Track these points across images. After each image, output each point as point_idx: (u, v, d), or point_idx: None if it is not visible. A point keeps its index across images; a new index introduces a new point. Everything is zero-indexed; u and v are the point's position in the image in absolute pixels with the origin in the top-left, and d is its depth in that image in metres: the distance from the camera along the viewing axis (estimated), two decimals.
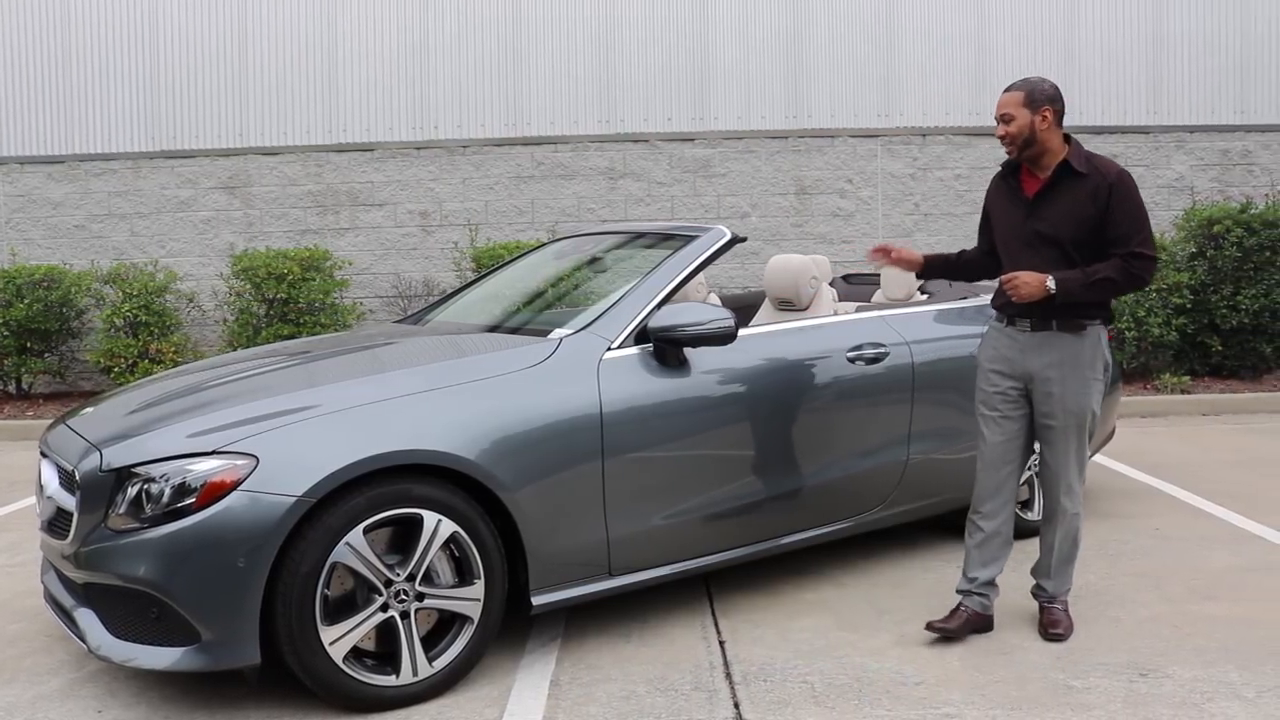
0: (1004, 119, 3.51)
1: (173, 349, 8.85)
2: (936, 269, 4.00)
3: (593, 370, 3.51)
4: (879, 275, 5.35)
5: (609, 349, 3.58)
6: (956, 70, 9.73)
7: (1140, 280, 3.47)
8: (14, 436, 8.20)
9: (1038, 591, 3.76)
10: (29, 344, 9.04)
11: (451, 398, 3.27)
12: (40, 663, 3.57)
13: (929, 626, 3.63)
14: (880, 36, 9.72)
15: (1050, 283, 3.43)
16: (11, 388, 9.26)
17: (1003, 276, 3.54)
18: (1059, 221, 3.49)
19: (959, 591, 3.72)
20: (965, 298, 4.86)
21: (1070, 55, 9.71)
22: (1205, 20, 9.74)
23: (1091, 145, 9.31)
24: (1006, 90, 3.56)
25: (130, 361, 8.72)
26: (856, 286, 5.61)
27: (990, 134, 9.59)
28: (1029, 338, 3.59)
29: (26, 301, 8.79)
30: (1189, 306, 8.77)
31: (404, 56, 9.75)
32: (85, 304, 9.25)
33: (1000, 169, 3.75)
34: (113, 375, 8.79)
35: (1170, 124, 9.75)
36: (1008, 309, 3.65)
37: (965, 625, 3.64)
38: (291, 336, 8.62)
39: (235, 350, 8.63)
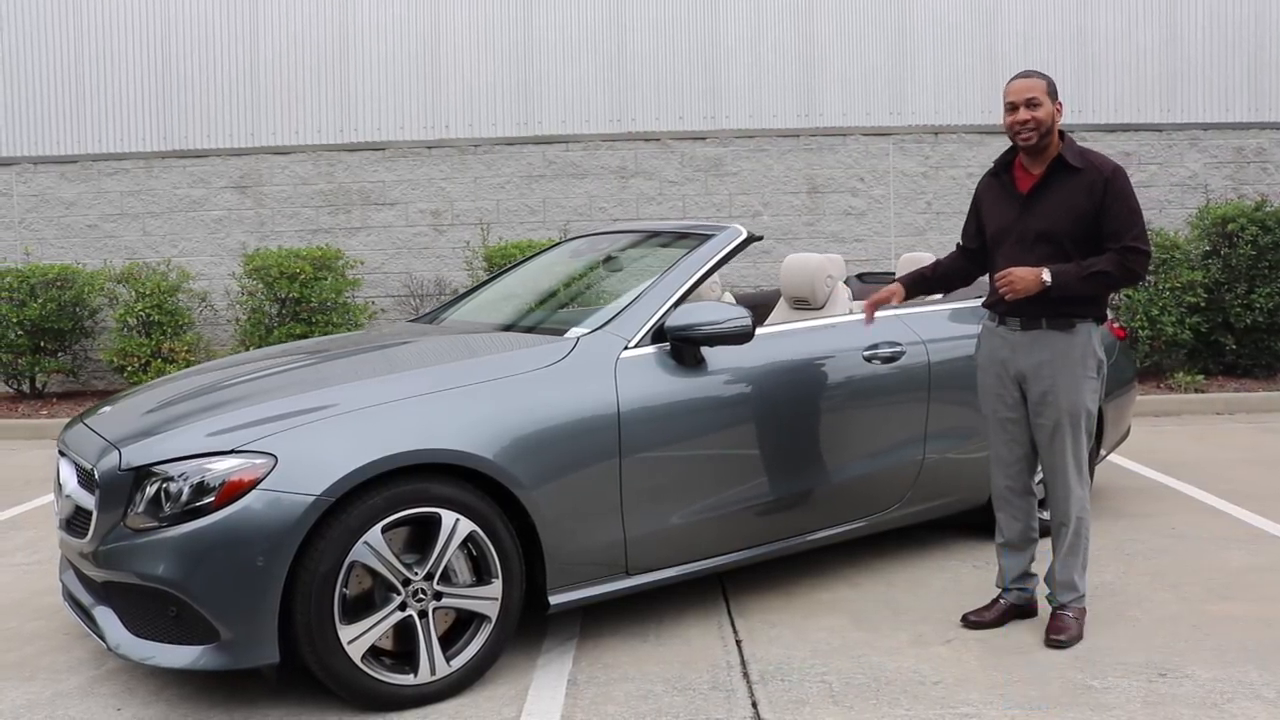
0: (1031, 104, 3.43)
1: (185, 348, 8.88)
2: (917, 289, 3.90)
3: (610, 369, 3.50)
4: (894, 275, 5.33)
5: (626, 348, 3.58)
6: (969, 69, 9.70)
7: (1135, 275, 3.41)
8: (28, 436, 8.23)
9: (1048, 597, 3.71)
10: (43, 343, 9.07)
11: (469, 397, 3.27)
12: (59, 660, 3.58)
13: (964, 619, 3.70)
14: (892, 35, 9.69)
15: (1046, 275, 3.35)
16: (25, 387, 9.28)
17: (996, 274, 3.46)
18: (1056, 217, 3.42)
19: (998, 586, 3.80)
20: (980, 296, 4.83)
21: (1084, 53, 9.67)
22: (1219, 17, 9.69)
23: (1105, 143, 9.40)
24: (1023, 77, 3.50)
25: (143, 361, 8.75)
26: (871, 285, 5.59)
27: (1004, 132, 9.54)
28: (1019, 337, 3.53)
29: (40, 301, 8.82)
30: (1203, 305, 8.72)
31: (415, 55, 9.75)
32: (98, 303, 9.29)
33: (993, 165, 3.69)
34: (126, 374, 8.82)
35: (1184, 121, 9.71)
36: (998, 307, 3.58)
37: (1004, 615, 3.71)
38: (304, 336, 8.64)
39: (248, 350, 8.65)
